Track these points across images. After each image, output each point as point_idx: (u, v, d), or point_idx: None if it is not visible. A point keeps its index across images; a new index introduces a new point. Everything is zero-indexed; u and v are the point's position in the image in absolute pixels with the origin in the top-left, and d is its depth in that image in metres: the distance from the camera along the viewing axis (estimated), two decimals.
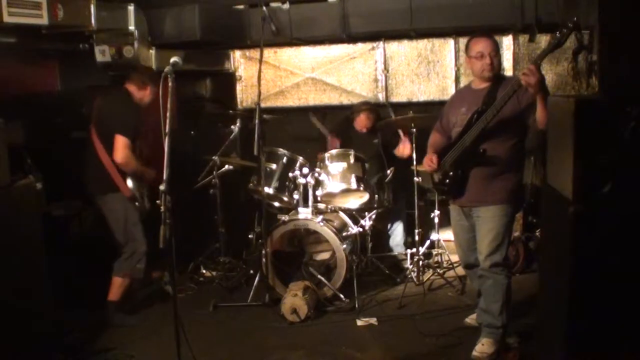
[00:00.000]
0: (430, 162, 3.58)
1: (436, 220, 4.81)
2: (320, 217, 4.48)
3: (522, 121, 3.36)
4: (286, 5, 5.10)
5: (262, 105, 4.64)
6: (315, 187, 4.58)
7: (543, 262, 2.95)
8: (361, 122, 5.09)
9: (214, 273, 4.91)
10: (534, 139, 4.26)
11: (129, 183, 4.11)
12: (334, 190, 4.55)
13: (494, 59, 3.40)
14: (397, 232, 5.24)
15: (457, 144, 3.45)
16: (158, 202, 2.93)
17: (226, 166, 4.87)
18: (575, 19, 3.03)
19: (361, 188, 4.55)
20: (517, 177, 3.49)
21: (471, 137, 3.36)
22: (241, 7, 5.21)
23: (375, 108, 5.21)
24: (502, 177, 3.41)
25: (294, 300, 4.13)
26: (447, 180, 3.55)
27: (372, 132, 5.15)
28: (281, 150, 4.67)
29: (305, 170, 4.59)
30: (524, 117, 3.33)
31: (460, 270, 4.50)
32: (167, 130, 2.94)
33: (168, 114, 3.07)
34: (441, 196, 4.15)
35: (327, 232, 4.39)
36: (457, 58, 5.20)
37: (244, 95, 5.81)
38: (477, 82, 3.53)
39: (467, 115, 3.44)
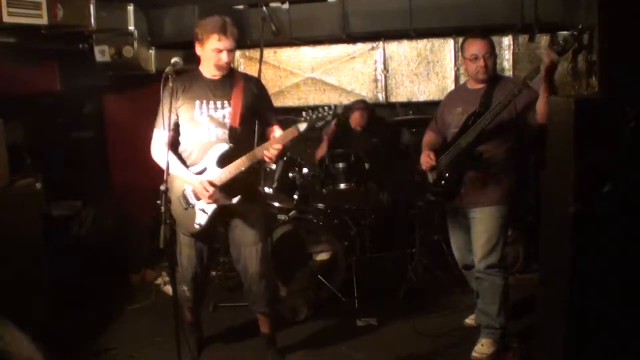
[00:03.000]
0: (428, 158, 3.56)
1: (436, 220, 4.81)
2: (320, 217, 4.48)
3: (517, 124, 3.36)
4: (286, 5, 5.09)
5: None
6: (315, 187, 4.57)
7: (543, 262, 2.95)
8: (355, 119, 5.14)
9: (213, 273, 4.90)
10: (533, 138, 4.25)
11: (176, 191, 3.28)
12: (334, 190, 4.55)
13: (488, 61, 3.37)
14: (398, 232, 5.23)
15: (453, 146, 3.45)
16: (158, 202, 2.93)
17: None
18: (580, 26, 3.03)
19: (361, 188, 4.55)
20: (513, 179, 3.48)
21: (467, 140, 3.36)
22: (241, 7, 5.21)
23: (370, 106, 5.23)
24: (497, 179, 3.41)
25: (294, 300, 4.13)
26: (443, 182, 3.55)
27: (370, 131, 5.15)
28: None
29: (305, 170, 4.59)
30: (520, 120, 3.33)
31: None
32: (169, 128, 2.93)
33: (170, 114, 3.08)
34: (436, 197, 4.17)
35: (327, 232, 4.39)
36: (457, 58, 5.20)
37: None
38: (473, 82, 3.52)
39: (464, 116, 3.43)
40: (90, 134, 5.18)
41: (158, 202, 2.90)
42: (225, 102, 3.22)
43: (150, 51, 4.85)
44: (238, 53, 5.74)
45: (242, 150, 3.21)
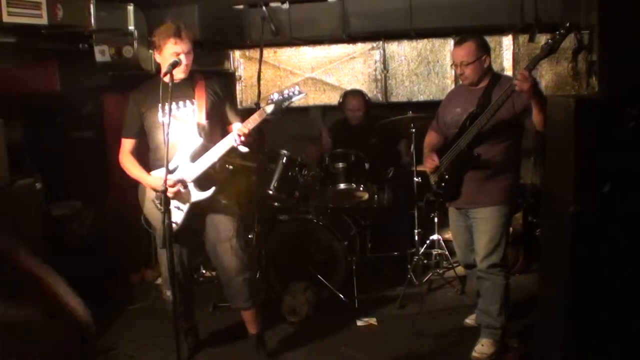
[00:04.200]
0: (431, 160, 3.57)
1: (436, 220, 4.81)
2: (320, 217, 4.48)
3: (517, 123, 3.36)
4: (286, 5, 5.09)
5: (262, 105, 4.63)
6: (315, 187, 4.57)
7: (543, 262, 2.95)
8: (349, 104, 5.09)
9: (214, 273, 4.90)
10: (533, 139, 4.25)
11: (148, 195, 3.37)
12: (334, 189, 4.55)
13: (466, 69, 3.38)
14: (399, 232, 5.23)
15: (452, 147, 3.45)
16: (157, 202, 2.93)
17: (226, 166, 4.86)
18: (568, 24, 3.03)
19: (361, 188, 4.55)
20: (513, 178, 3.49)
21: (466, 140, 3.36)
22: (241, 7, 5.20)
23: (362, 92, 5.21)
24: (498, 179, 3.42)
25: (294, 300, 4.13)
26: (443, 183, 3.55)
27: (370, 131, 5.15)
28: (281, 150, 4.67)
29: (305, 170, 4.59)
30: (518, 120, 3.33)
31: (461, 270, 4.50)
32: (167, 130, 2.94)
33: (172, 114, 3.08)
34: (437, 199, 4.21)
35: (327, 232, 4.39)
36: None
37: (244, 95, 5.80)
38: None
39: (462, 116, 3.43)
40: (90, 134, 5.17)
41: (157, 202, 2.91)
42: (187, 101, 3.31)
43: (150, 51, 4.84)
44: (238, 53, 5.75)
45: (212, 145, 3.29)
